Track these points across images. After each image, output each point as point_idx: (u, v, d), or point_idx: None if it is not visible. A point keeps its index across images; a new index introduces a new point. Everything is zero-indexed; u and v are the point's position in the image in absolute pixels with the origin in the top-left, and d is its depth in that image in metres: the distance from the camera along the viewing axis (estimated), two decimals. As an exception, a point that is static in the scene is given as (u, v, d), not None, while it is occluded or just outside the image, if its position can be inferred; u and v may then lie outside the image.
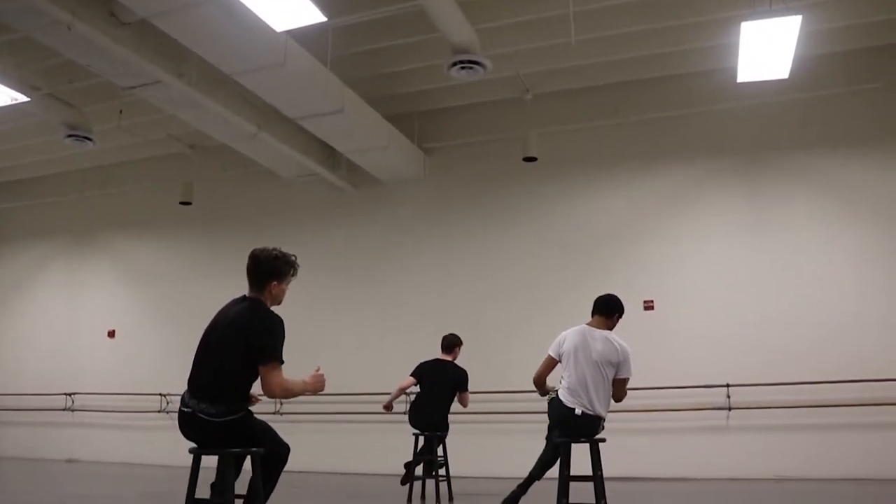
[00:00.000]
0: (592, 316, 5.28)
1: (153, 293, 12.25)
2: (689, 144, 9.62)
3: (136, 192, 12.42)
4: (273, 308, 3.82)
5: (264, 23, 6.40)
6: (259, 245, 3.93)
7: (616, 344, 5.09)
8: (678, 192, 9.63)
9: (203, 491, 3.66)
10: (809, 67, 8.30)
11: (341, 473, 9.83)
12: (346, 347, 10.24)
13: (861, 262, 8.72)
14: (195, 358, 3.78)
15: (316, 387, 3.85)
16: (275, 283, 3.82)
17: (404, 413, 7.43)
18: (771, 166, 9.24)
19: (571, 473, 5.04)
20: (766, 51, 6.88)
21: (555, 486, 5.06)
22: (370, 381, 9.71)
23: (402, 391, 7.25)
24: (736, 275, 9.11)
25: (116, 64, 7.51)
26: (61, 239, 13.27)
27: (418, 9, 7.12)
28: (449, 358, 7.23)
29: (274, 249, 3.89)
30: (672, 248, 9.46)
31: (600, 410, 5.04)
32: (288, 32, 7.01)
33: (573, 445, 5.11)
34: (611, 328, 5.20)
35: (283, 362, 3.65)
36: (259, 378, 3.66)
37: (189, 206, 11.53)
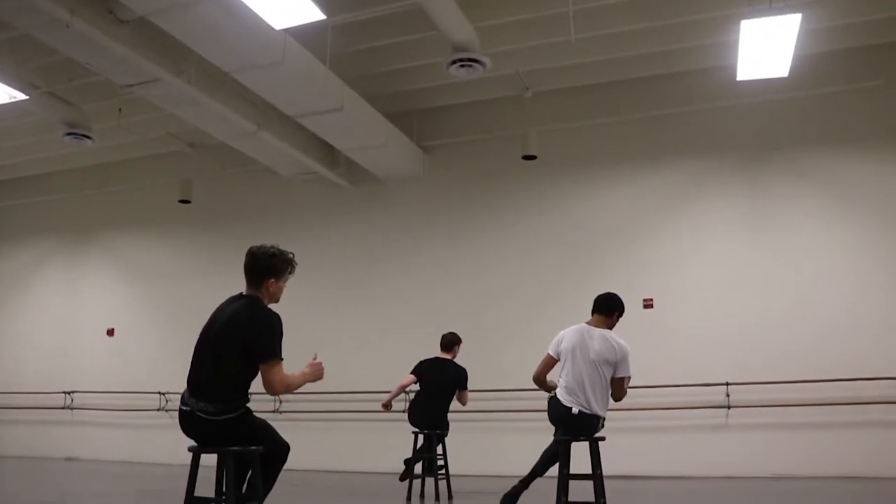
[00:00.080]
0: (592, 314, 5.27)
1: (152, 291, 12.24)
2: (688, 143, 9.62)
3: (135, 191, 12.41)
4: (271, 306, 3.81)
5: (263, 21, 6.39)
6: (258, 243, 3.93)
7: (614, 343, 5.07)
8: (678, 190, 9.63)
9: (202, 489, 3.66)
10: (809, 65, 8.29)
11: (340, 472, 9.82)
12: (344, 346, 10.23)
13: (861, 260, 8.72)
14: (193, 356, 3.78)
15: (315, 375, 3.86)
16: (272, 280, 3.81)
17: (403, 411, 7.44)
18: (771, 164, 9.23)
19: (571, 472, 5.04)
20: (766, 49, 6.87)
21: (554, 484, 5.06)
22: (369, 379, 9.71)
23: (403, 388, 7.24)
24: (736, 273, 9.10)
25: (115, 62, 7.49)
26: (60, 237, 13.26)
27: (417, 7, 7.11)
28: (448, 356, 7.23)
29: (272, 247, 3.88)
30: (672, 247, 9.45)
31: (597, 409, 5.03)
32: (287, 30, 7.00)
33: (573, 444, 5.11)
34: (610, 327, 5.19)
35: (282, 359, 3.65)
36: (257, 375, 3.67)
37: (188, 205, 11.53)
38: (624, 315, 5.34)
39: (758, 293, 8.93)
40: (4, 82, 8.19)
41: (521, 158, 9.69)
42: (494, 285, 10.09)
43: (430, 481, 7.07)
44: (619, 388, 5.12)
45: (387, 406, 7.10)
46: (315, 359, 3.90)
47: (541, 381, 5.32)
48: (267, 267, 3.81)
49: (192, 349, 3.79)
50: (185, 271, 11.95)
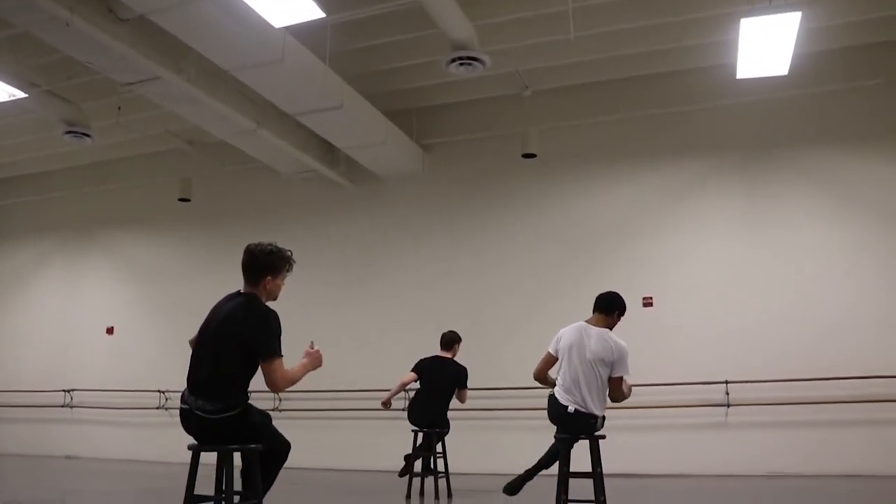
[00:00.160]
0: (593, 313, 5.25)
1: (152, 290, 12.24)
2: (688, 141, 9.62)
3: (134, 189, 12.40)
4: (269, 303, 3.81)
5: (263, 19, 6.38)
6: (257, 241, 3.92)
7: (611, 342, 5.03)
8: (677, 188, 9.62)
9: (202, 487, 3.66)
10: (809, 64, 8.30)
11: (340, 470, 9.83)
12: (344, 344, 10.22)
13: (860, 258, 8.72)
14: (192, 354, 3.78)
15: (314, 363, 3.87)
16: (269, 277, 3.81)
17: (403, 410, 7.44)
18: (771, 162, 9.23)
19: (571, 470, 5.04)
20: (766, 47, 6.87)
21: (554, 482, 5.06)
22: (369, 377, 9.73)
23: (404, 386, 7.23)
24: (735, 271, 9.10)
25: (115, 60, 7.49)
26: (60, 235, 13.26)
27: (417, 5, 7.10)
28: (448, 355, 7.23)
29: (269, 244, 3.87)
30: (671, 245, 9.46)
31: (593, 409, 5.00)
32: (286, 28, 6.99)
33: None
34: (610, 326, 5.15)
35: (282, 356, 3.65)
36: (256, 373, 3.67)
37: (188, 203, 11.53)
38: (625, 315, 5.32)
39: (757, 292, 8.94)
40: (4, 80, 8.18)
41: (521, 157, 9.70)
42: (494, 283, 10.09)
43: (429, 479, 7.08)
44: (615, 388, 5.06)
45: (386, 404, 7.09)
46: (311, 347, 3.90)
47: (540, 378, 5.32)
48: (264, 264, 3.81)
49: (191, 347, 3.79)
50: (184, 269, 11.95)
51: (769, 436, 8.55)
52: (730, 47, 7.43)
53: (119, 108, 9.64)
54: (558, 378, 5.18)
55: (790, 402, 8.42)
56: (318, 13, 6.26)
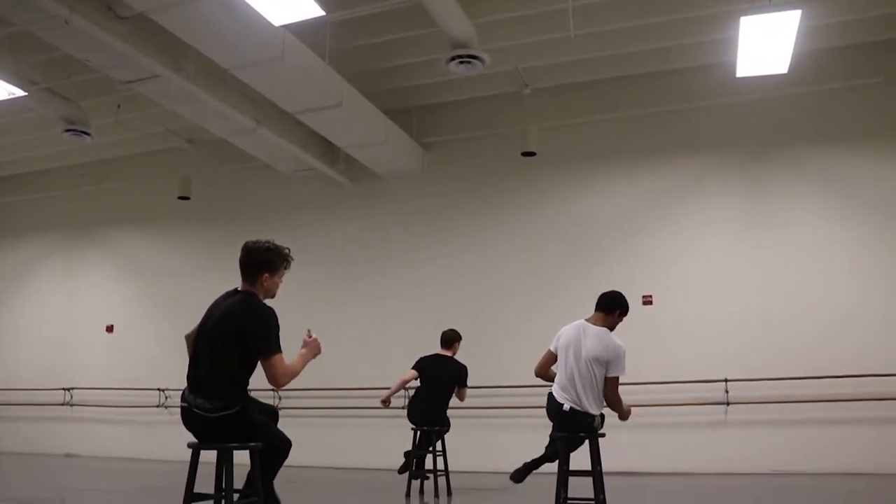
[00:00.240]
0: (594, 312, 5.24)
1: (151, 288, 12.24)
2: (688, 139, 9.61)
3: (134, 187, 12.40)
4: (267, 301, 3.81)
5: (262, 17, 6.38)
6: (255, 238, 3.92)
7: (608, 341, 5.02)
8: (677, 186, 9.62)
9: (202, 486, 3.66)
10: (809, 62, 8.29)
11: (340, 468, 9.83)
12: (344, 342, 10.21)
13: (861, 257, 8.72)
14: (191, 353, 3.78)
15: (314, 352, 3.88)
16: (267, 275, 3.81)
17: (403, 408, 7.44)
18: (770, 161, 9.23)
19: (571, 468, 5.04)
20: (766, 45, 6.86)
21: (553, 480, 5.06)
22: (368, 375, 9.73)
23: (404, 384, 7.22)
24: (735, 270, 9.11)
25: (114, 58, 7.48)
26: (59, 234, 13.25)
27: (416, 3, 7.09)
28: (449, 353, 7.23)
29: (267, 241, 3.87)
30: (671, 243, 9.45)
31: (588, 407, 4.99)
32: (286, 27, 6.98)
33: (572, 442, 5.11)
34: (611, 326, 5.14)
35: (281, 352, 3.64)
36: (254, 371, 3.67)
37: (187, 201, 11.51)
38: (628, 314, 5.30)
39: (757, 290, 8.94)
40: (3, 79, 8.17)
41: (521, 155, 9.68)
42: (494, 282, 10.09)
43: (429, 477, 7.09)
44: (610, 388, 5.02)
45: (386, 402, 7.09)
46: (309, 335, 3.90)
47: (541, 375, 5.33)
48: (261, 261, 3.81)
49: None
50: (184, 268, 11.95)
51: (769, 434, 8.56)
52: (730, 45, 7.43)
53: (118, 106, 9.64)
54: (556, 376, 5.19)
55: (790, 400, 8.43)
56: (317, 11, 6.25)
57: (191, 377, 3.70)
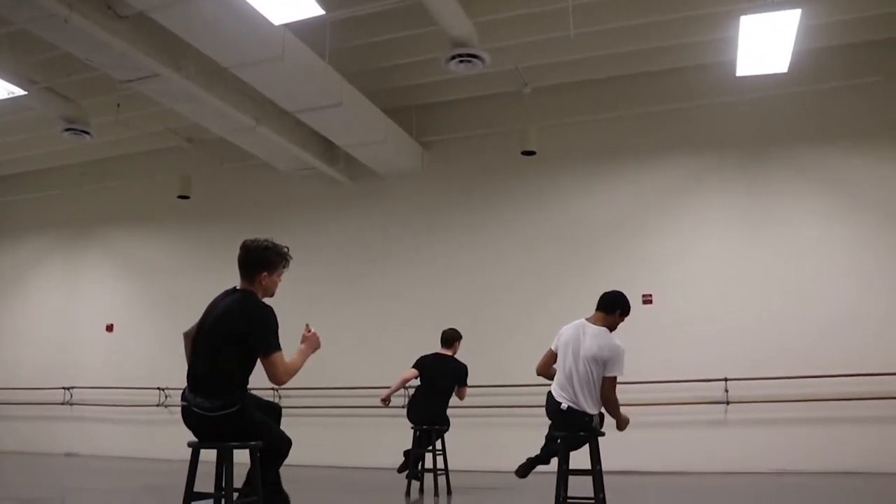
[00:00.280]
0: (595, 311, 5.24)
1: (151, 287, 12.24)
2: (688, 138, 9.61)
3: (134, 186, 12.39)
4: (265, 300, 3.80)
5: (262, 16, 6.37)
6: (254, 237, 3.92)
7: (606, 341, 5.00)
8: (677, 186, 9.62)
9: (202, 485, 3.66)
10: (809, 61, 8.28)
11: (340, 467, 9.83)
12: (344, 342, 10.21)
13: (861, 256, 8.72)
14: (191, 352, 3.78)
15: (314, 346, 3.88)
16: (265, 273, 3.81)
17: (402, 407, 7.44)
18: (770, 160, 9.23)
19: (570, 467, 5.04)
20: (766, 44, 6.85)
21: (553, 479, 5.06)
22: (368, 375, 9.74)
23: (404, 383, 7.23)
24: (735, 269, 9.11)
25: (114, 57, 7.47)
26: (59, 233, 13.25)
27: (416, 2, 7.09)
28: (449, 352, 7.24)
29: (265, 240, 3.87)
30: (671, 243, 9.45)
31: (586, 407, 4.99)
32: (286, 26, 6.98)
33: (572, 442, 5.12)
34: (611, 325, 5.12)
35: (280, 349, 3.64)
36: (254, 369, 3.66)
37: (187, 200, 11.50)
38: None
39: (757, 289, 8.94)
40: (3, 78, 8.17)
41: (521, 154, 9.67)
42: (494, 281, 10.09)
43: (429, 476, 7.08)
44: (607, 388, 4.99)
45: (386, 401, 7.09)
46: (308, 330, 3.90)
47: (542, 374, 5.34)
48: (259, 260, 3.81)
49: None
50: (183, 267, 11.94)
51: (769, 433, 8.56)
52: (729, 44, 7.42)
53: (118, 105, 9.64)
54: (555, 375, 5.19)
55: (790, 399, 8.43)
56: (317, 10, 6.24)
57: (190, 376, 3.70)
